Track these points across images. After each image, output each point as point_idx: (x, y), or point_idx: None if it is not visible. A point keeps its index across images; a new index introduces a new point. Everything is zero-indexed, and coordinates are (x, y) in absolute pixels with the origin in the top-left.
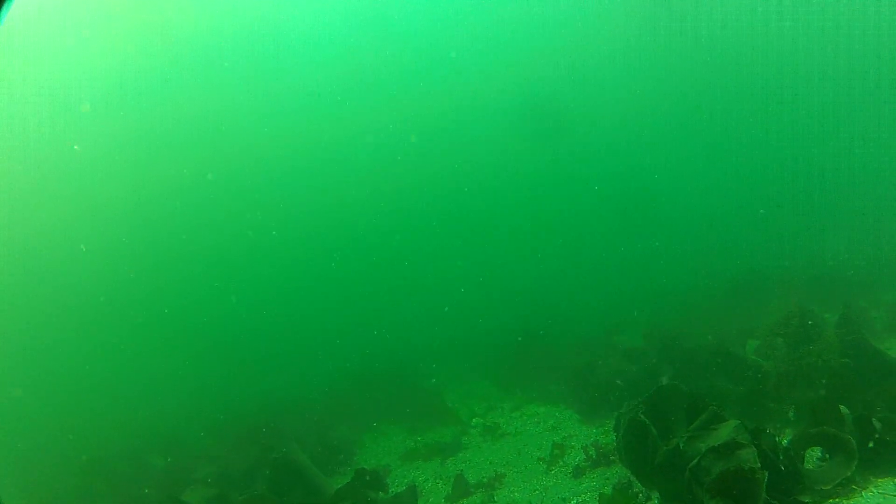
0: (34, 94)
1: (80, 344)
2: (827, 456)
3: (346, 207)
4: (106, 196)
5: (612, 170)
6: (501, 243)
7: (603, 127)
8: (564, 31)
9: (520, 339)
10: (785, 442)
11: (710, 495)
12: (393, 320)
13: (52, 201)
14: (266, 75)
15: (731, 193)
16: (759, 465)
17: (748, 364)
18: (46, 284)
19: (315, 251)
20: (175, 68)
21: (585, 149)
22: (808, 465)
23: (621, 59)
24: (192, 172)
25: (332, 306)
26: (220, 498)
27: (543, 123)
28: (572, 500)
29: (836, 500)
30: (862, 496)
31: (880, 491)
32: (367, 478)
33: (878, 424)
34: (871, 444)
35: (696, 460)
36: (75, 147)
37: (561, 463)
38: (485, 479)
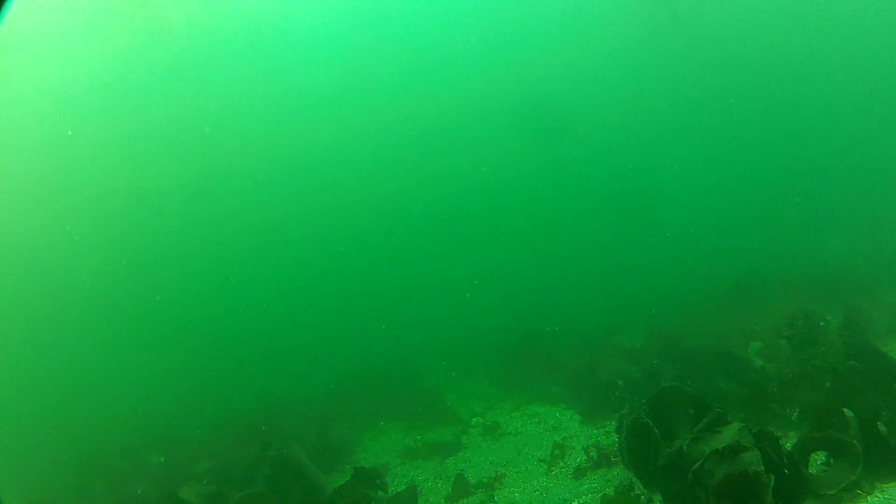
0: (34, 93)
1: (77, 340)
2: (831, 460)
3: (346, 206)
4: (106, 193)
5: (613, 170)
6: (502, 243)
7: (604, 127)
8: (566, 31)
9: (520, 338)
10: (789, 445)
11: (716, 499)
12: (393, 319)
13: (51, 198)
14: (266, 74)
15: (732, 194)
16: (763, 468)
17: (751, 366)
18: (45, 281)
19: (315, 249)
20: (175, 67)
21: (586, 149)
22: (812, 470)
23: (622, 60)
24: (191, 170)
25: (333, 305)
26: (218, 495)
27: (545, 123)
28: (573, 501)
29: None
30: (867, 501)
31: (886, 496)
32: (367, 476)
33: (883, 428)
34: (875, 448)
35: (699, 463)
36: (69, 132)
37: (562, 463)
38: (485, 479)
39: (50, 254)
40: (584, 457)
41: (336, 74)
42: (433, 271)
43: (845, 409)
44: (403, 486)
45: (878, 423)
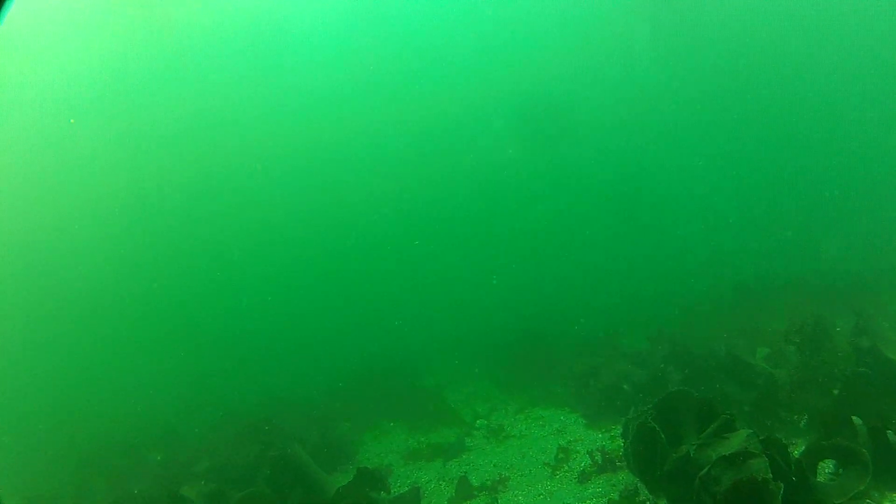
0: (34, 93)
1: (78, 338)
2: (840, 469)
3: (348, 206)
4: (107, 192)
5: (618, 172)
6: (505, 244)
7: (607, 128)
8: (568, 32)
9: (523, 339)
10: (797, 453)
11: None
12: (396, 319)
13: (52, 197)
14: (266, 73)
15: (737, 197)
16: (770, 475)
17: (758, 371)
18: (46, 279)
19: (318, 249)
20: (176, 66)
21: (589, 150)
22: (821, 478)
23: (625, 61)
24: (192, 169)
25: (335, 304)
26: (219, 494)
27: (548, 124)
28: None
29: None
30: None
31: None
32: (370, 477)
33: (892, 437)
34: (884, 457)
35: (706, 469)
36: (71, 121)
37: (566, 467)
38: (488, 482)
39: (50, 252)
40: (589, 461)
41: (337, 74)
42: (436, 271)
43: (854, 417)
44: (406, 488)
45: (888, 431)
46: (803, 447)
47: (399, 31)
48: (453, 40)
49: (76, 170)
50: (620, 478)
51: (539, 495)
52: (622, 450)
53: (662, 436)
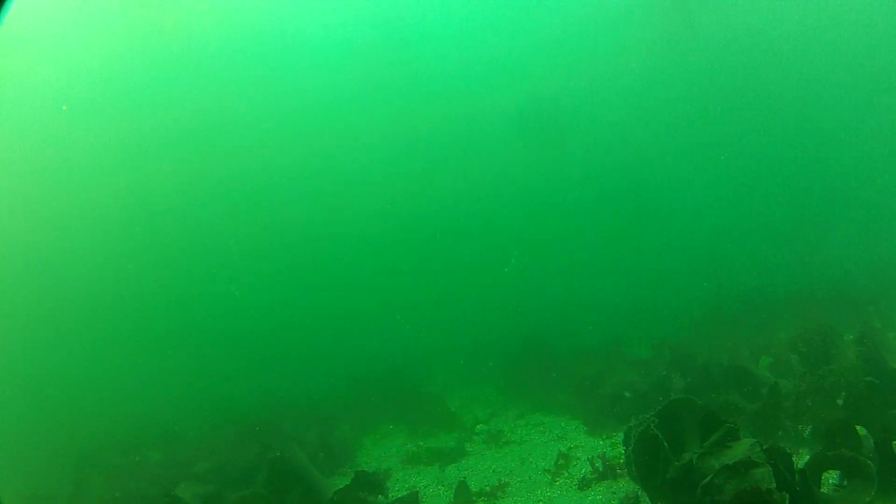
0: (35, 93)
1: (78, 337)
2: (844, 480)
3: (352, 210)
4: (108, 192)
5: (622, 181)
6: (512, 251)
7: (613, 137)
8: (578, 41)
9: (525, 346)
10: (801, 463)
11: None
12: (399, 324)
13: (52, 197)
14: (270, 77)
15: (744, 208)
16: (774, 485)
17: (762, 381)
18: (45, 278)
19: (321, 252)
20: (179, 68)
21: (596, 159)
22: (825, 489)
23: (634, 71)
24: (195, 172)
25: (339, 309)
26: (216, 495)
27: (555, 133)
28: None
29: None
30: None
31: None
32: (368, 481)
33: None
34: (890, 469)
35: (709, 478)
36: (64, 108)
37: (566, 474)
38: (487, 488)
39: (50, 252)
40: (590, 468)
41: (342, 81)
42: (441, 277)
43: (859, 428)
44: (405, 492)
45: (894, 442)
46: (807, 457)
47: (407, 37)
48: (464, 48)
49: (77, 169)
50: (621, 485)
51: (539, 502)
52: (623, 457)
53: (665, 443)
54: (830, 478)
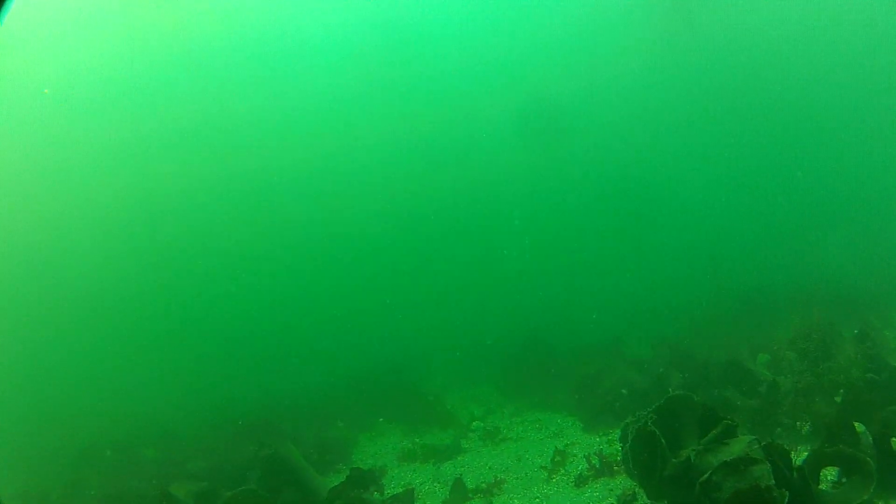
0: (35, 92)
1: (78, 337)
2: (843, 477)
3: (350, 211)
4: (108, 192)
5: (622, 180)
6: (511, 250)
7: (613, 138)
8: (580, 41)
9: (522, 344)
10: (799, 460)
11: None
12: (394, 322)
13: (53, 197)
14: (272, 79)
15: (744, 207)
16: (773, 482)
17: (760, 378)
18: (45, 278)
19: (320, 252)
20: (180, 70)
21: (596, 159)
22: (824, 486)
23: (635, 71)
24: (196, 173)
25: (337, 309)
26: (210, 492)
27: (555, 133)
28: None
29: None
30: None
31: None
32: (363, 478)
33: None
34: (889, 466)
35: (707, 475)
36: (45, 91)
37: (562, 471)
38: (484, 485)
39: (50, 252)
40: (586, 465)
41: (342, 81)
42: (439, 277)
43: (858, 424)
44: (400, 489)
45: (893, 439)
46: (806, 454)
47: (407, 38)
48: (462, 47)
49: (77, 169)
50: (618, 482)
51: (535, 499)
52: (620, 454)
53: (663, 440)
54: (829, 474)
